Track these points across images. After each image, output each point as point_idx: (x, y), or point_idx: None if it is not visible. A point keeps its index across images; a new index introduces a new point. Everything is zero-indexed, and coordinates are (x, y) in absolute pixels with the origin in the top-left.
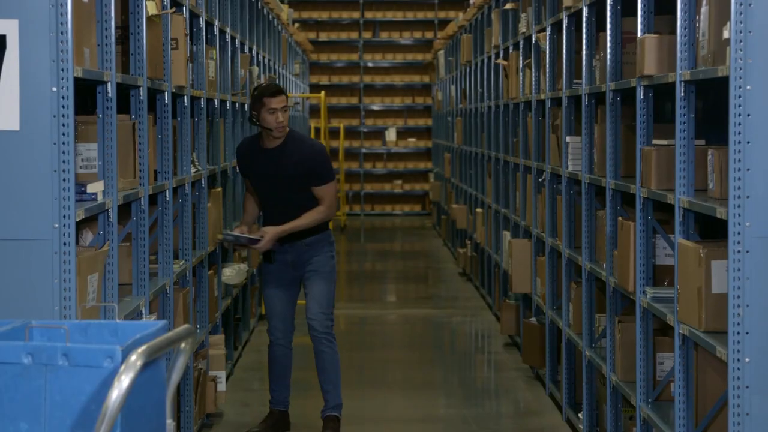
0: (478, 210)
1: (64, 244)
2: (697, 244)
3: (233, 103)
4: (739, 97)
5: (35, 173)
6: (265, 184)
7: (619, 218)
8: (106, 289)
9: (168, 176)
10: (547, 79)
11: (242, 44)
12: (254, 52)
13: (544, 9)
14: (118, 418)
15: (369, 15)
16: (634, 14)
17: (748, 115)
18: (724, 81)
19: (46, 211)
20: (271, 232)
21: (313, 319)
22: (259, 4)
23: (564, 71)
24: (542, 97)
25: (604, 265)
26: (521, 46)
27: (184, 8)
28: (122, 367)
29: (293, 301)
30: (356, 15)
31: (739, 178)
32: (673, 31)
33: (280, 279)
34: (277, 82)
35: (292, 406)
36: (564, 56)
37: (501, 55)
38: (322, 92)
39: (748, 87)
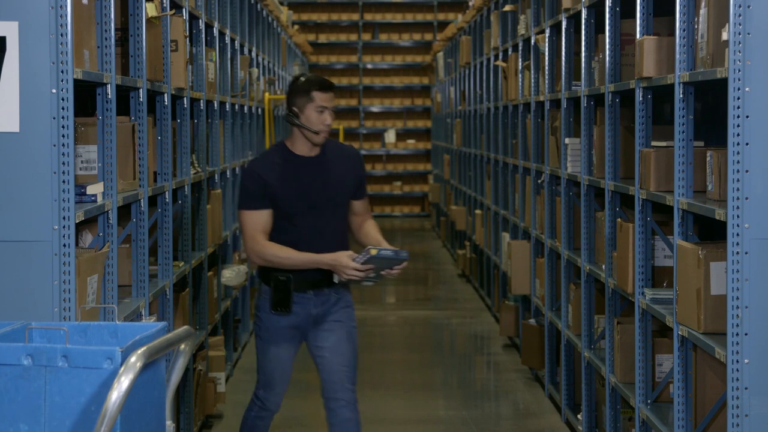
0: (478, 211)
1: (64, 245)
2: (696, 245)
3: (233, 105)
4: (738, 98)
5: (35, 175)
6: (302, 203)
7: (618, 220)
8: (106, 290)
9: (167, 178)
10: (546, 81)
11: (242, 46)
12: (254, 54)
13: (543, 11)
14: (117, 419)
15: (368, 17)
16: (633, 16)
17: (747, 116)
18: (723, 83)
19: (45, 213)
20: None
21: (340, 398)
22: (259, 6)
23: (563, 73)
24: (541, 98)
25: (603, 266)
26: (520, 48)
27: (184, 10)
28: (122, 368)
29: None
30: (355, 17)
31: (738, 180)
32: (672, 33)
33: (292, 337)
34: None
35: (291, 407)
36: (563, 58)
37: (500, 56)
38: None
39: (747, 88)
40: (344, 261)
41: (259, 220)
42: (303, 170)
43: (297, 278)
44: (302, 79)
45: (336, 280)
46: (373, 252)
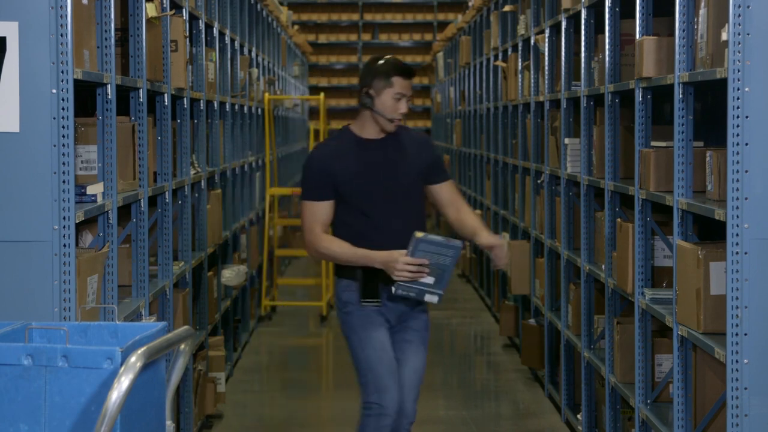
0: (477, 211)
1: (64, 245)
2: (696, 245)
3: (233, 105)
4: (738, 98)
5: (35, 175)
6: (372, 192)
7: (618, 220)
8: (106, 290)
9: (167, 178)
10: (546, 81)
11: (242, 46)
12: (254, 54)
13: (542, 11)
14: (117, 419)
15: (368, 17)
16: (633, 16)
17: (747, 116)
18: (723, 83)
19: (45, 213)
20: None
21: (402, 415)
22: (259, 7)
23: (563, 73)
24: (541, 98)
25: (603, 266)
26: (520, 48)
27: (184, 10)
28: (122, 368)
29: None
30: (355, 17)
31: (738, 180)
32: (672, 33)
33: (385, 326)
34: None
35: (291, 407)
36: (563, 58)
37: (500, 57)
38: (322, 94)
39: (746, 89)
40: (396, 256)
41: (318, 211)
42: (372, 156)
43: (381, 271)
44: (383, 61)
45: (394, 291)
46: (419, 235)
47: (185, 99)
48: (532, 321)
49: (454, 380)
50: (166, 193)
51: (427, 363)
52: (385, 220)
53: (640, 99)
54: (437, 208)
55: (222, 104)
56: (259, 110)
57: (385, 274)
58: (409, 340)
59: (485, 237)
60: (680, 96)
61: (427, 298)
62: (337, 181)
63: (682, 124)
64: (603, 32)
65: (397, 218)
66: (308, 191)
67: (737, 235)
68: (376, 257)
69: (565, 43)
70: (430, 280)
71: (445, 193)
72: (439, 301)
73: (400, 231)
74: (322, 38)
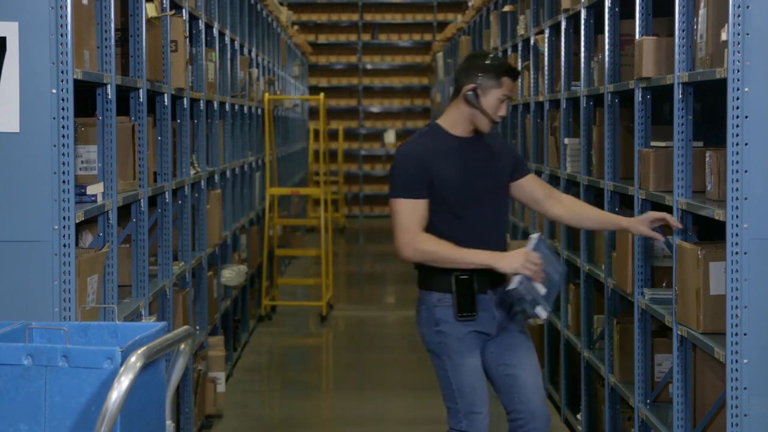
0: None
1: (64, 245)
2: (695, 245)
3: (233, 105)
4: (737, 99)
5: (35, 175)
6: (467, 191)
7: None
8: (106, 290)
9: (167, 178)
10: (546, 81)
11: (242, 46)
12: (253, 54)
13: (542, 11)
14: (117, 419)
15: (368, 17)
16: (633, 16)
17: (746, 116)
18: (722, 83)
19: (45, 213)
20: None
21: (536, 418)
22: (259, 7)
23: (562, 73)
24: (540, 99)
25: (603, 266)
26: (520, 48)
27: (184, 10)
28: (122, 368)
29: None
30: (355, 17)
31: (737, 180)
32: (672, 33)
33: (478, 345)
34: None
35: (291, 407)
36: (562, 58)
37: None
38: (321, 94)
39: (746, 89)
40: (521, 251)
41: (416, 210)
42: (466, 154)
43: (478, 277)
44: (493, 59)
45: (514, 285)
46: (534, 236)
47: (185, 99)
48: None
49: None
50: (166, 193)
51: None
52: (477, 222)
53: (640, 99)
54: (532, 207)
55: (222, 104)
56: (259, 110)
57: (482, 283)
58: (517, 343)
59: (636, 218)
60: (680, 96)
61: (538, 310)
62: (434, 179)
63: (682, 124)
64: (603, 32)
65: (487, 221)
66: (406, 188)
67: (737, 235)
68: (500, 259)
69: (565, 43)
70: (542, 290)
71: (535, 184)
72: (546, 319)
73: (489, 234)
74: (322, 38)
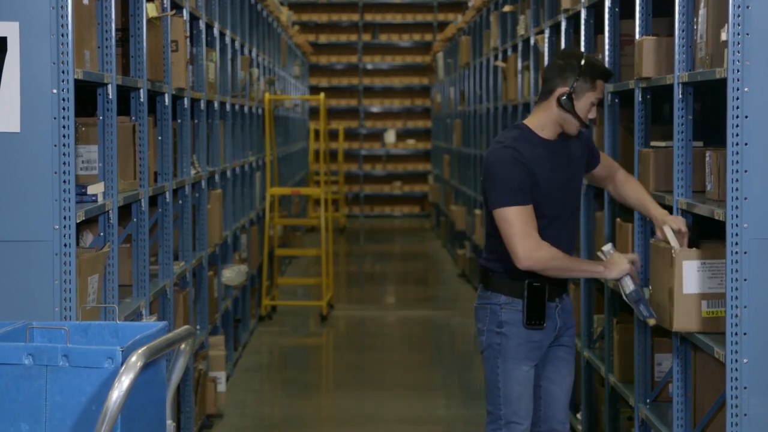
0: (477, 211)
1: (65, 245)
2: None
3: (233, 105)
4: (737, 98)
5: (36, 175)
6: (559, 196)
7: (618, 219)
8: (107, 290)
9: (168, 178)
10: None
11: (242, 46)
12: (254, 55)
13: (542, 11)
14: (118, 418)
15: (368, 17)
16: (633, 16)
17: (746, 116)
18: (722, 83)
19: (46, 213)
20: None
21: (556, 429)
22: (259, 7)
23: None
24: None
25: None
26: (520, 49)
27: (185, 10)
28: (122, 367)
29: None
30: (355, 17)
31: (737, 180)
32: (672, 34)
33: (539, 355)
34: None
35: (291, 407)
36: None
37: (500, 57)
38: (322, 94)
39: (746, 89)
40: (621, 256)
41: (530, 216)
42: (556, 158)
43: (550, 285)
44: (587, 59)
45: (631, 288)
46: (607, 247)
47: (186, 99)
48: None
49: (454, 380)
50: (167, 192)
51: (427, 363)
52: (558, 222)
53: (640, 99)
54: (601, 184)
55: (222, 104)
56: (260, 110)
57: (553, 291)
58: (565, 357)
59: (664, 218)
60: (680, 96)
61: (646, 313)
62: (535, 183)
63: (682, 124)
64: (602, 32)
65: (565, 221)
66: (516, 194)
67: (737, 234)
68: (603, 266)
69: (565, 44)
70: (647, 292)
71: (601, 169)
72: (654, 323)
73: (565, 233)
74: (323, 38)
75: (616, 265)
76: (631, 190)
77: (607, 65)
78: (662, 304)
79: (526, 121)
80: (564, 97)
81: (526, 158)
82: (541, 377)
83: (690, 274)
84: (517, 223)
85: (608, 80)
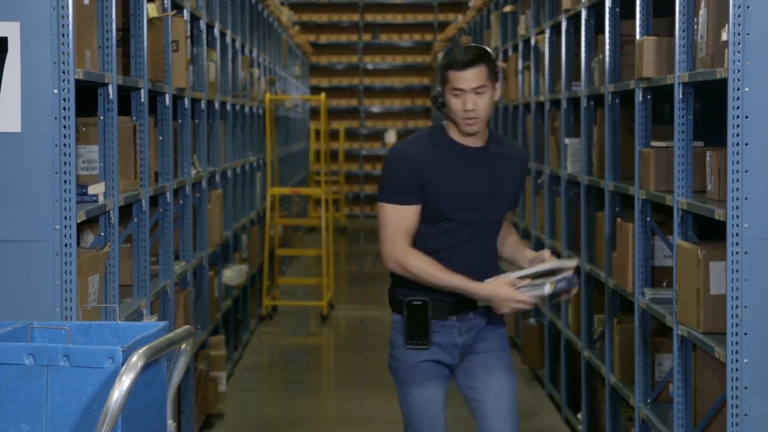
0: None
1: (65, 245)
2: (696, 245)
3: (233, 105)
4: (738, 99)
5: (36, 175)
6: (460, 203)
7: (618, 220)
8: (107, 290)
9: (169, 178)
10: (546, 81)
11: (243, 46)
12: (254, 55)
13: (543, 11)
14: (119, 418)
15: (369, 17)
16: (633, 17)
17: (747, 117)
18: (723, 83)
19: (47, 213)
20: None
21: None
22: (260, 7)
23: (563, 73)
24: (541, 99)
25: (603, 266)
26: (520, 49)
27: (185, 11)
28: (123, 367)
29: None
30: (356, 18)
31: (738, 180)
32: (672, 34)
33: (437, 374)
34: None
35: (292, 406)
36: (563, 58)
37: (500, 57)
38: (322, 94)
39: (746, 89)
40: (506, 293)
41: (404, 218)
42: (465, 162)
43: (434, 302)
44: (445, 54)
45: (547, 293)
46: (549, 290)
47: (186, 99)
48: (532, 320)
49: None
50: (167, 192)
51: None
52: (464, 242)
53: (640, 99)
54: None
55: (223, 104)
56: (260, 110)
57: (440, 309)
58: (483, 364)
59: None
60: (680, 96)
61: (565, 284)
62: (430, 184)
63: (682, 124)
64: (603, 32)
65: (477, 242)
66: (394, 193)
67: (737, 235)
68: (479, 292)
69: (566, 44)
70: (548, 289)
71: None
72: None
73: (478, 260)
74: (323, 39)
75: (494, 299)
76: (516, 238)
77: (607, 65)
78: (689, 305)
79: (446, 121)
80: (433, 98)
81: (417, 158)
82: (469, 392)
83: (717, 275)
84: (387, 224)
85: (460, 67)
